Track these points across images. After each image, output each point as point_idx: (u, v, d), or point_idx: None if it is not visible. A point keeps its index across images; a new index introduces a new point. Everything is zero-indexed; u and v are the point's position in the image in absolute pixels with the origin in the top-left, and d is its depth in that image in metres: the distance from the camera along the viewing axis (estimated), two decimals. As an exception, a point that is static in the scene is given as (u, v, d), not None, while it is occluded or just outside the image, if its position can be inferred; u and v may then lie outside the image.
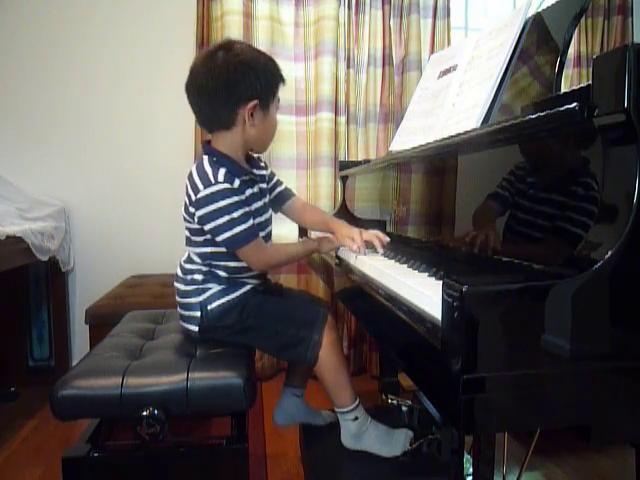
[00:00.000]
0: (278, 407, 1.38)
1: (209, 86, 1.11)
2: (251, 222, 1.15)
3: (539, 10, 1.13)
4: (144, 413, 0.99)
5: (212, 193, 1.10)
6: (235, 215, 1.11)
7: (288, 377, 1.40)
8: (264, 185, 1.30)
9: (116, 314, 1.56)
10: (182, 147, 2.30)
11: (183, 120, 2.17)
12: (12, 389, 2.08)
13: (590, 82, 0.65)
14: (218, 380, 1.05)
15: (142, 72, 2.34)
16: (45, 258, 1.95)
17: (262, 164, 1.31)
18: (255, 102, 1.13)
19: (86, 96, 2.30)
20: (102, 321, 1.77)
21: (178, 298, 1.25)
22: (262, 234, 1.21)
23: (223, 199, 1.10)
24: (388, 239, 1.20)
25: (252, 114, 1.14)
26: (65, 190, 2.29)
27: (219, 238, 1.13)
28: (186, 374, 1.04)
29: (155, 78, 2.34)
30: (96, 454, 1.05)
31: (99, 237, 2.35)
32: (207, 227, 1.13)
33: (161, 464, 1.08)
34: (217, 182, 1.11)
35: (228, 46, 1.15)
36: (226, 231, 1.12)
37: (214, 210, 1.11)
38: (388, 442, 1.21)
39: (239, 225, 1.12)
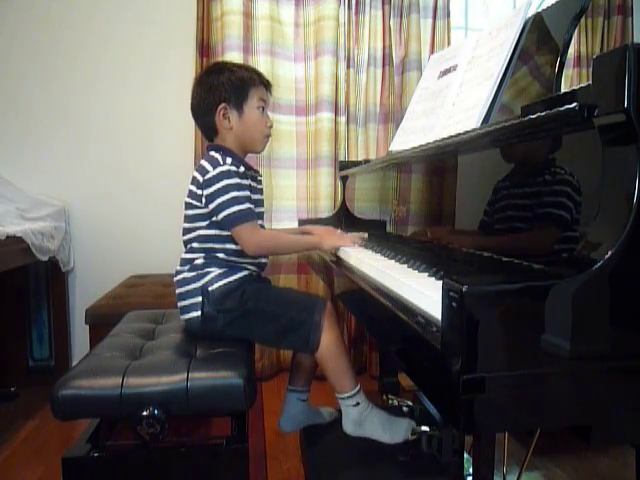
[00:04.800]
0: (284, 414, 1.38)
1: (194, 104, 1.31)
2: (250, 205, 1.22)
3: (539, 10, 1.13)
4: (144, 413, 0.99)
5: (221, 172, 1.20)
6: (237, 194, 1.19)
7: (291, 380, 1.39)
8: (261, 186, 1.37)
9: (116, 314, 1.56)
10: (182, 147, 2.30)
11: (183, 120, 2.15)
12: (12, 389, 2.07)
13: (590, 82, 0.65)
14: (218, 380, 1.05)
15: (142, 72, 2.33)
16: (45, 258, 1.95)
17: (259, 177, 1.37)
18: (223, 105, 1.26)
19: (86, 96, 2.30)
20: (102, 321, 1.77)
21: (178, 289, 1.26)
22: (259, 222, 1.28)
23: (229, 178, 1.20)
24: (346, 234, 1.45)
25: (225, 116, 1.27)
26: (65, 190, 2.29)
27: (220, 216, 1.19)
28: (186, 374, 1.04)
29: (155, 78, 2.34)
30: (96, 454, 1.05)
31: (99, 237, 2.34)
32: (212, 205, 1.20)
33: (161, 464, 1.08)
34: (225, 164, 1.21)
35: (211, 67, 1.36)
36: (227, 208, 1.18)
37: (220, 188, 1.19)
38: (389, 429, 1.21)
39: (239, 204, 1.19)
